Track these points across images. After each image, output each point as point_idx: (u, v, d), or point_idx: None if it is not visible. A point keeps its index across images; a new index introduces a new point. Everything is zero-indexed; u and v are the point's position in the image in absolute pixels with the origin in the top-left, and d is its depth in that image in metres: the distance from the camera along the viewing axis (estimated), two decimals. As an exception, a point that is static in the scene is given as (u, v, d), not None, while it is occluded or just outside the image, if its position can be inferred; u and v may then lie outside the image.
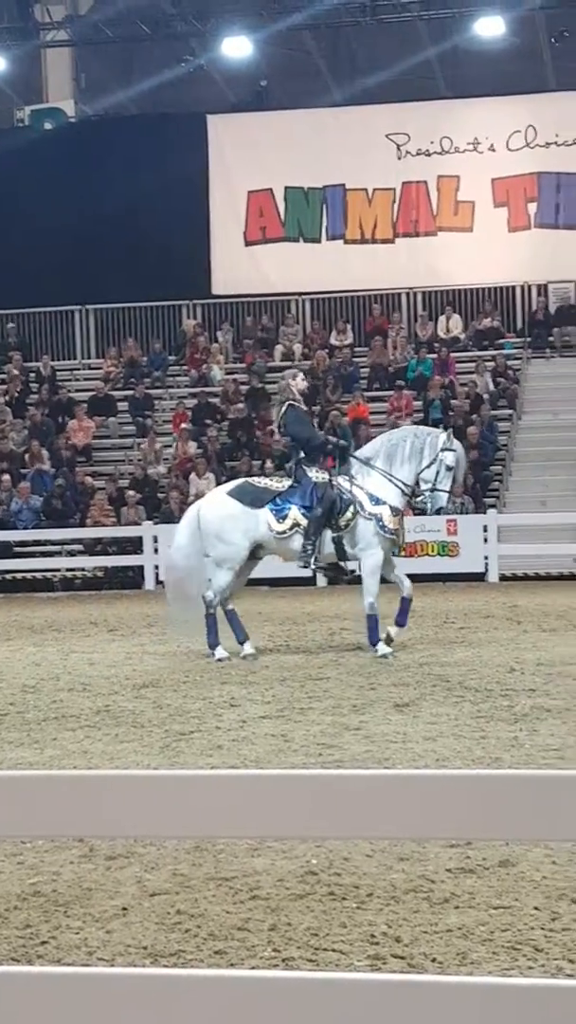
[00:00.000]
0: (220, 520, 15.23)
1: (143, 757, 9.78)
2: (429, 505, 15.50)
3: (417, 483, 15.28)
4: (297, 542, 15.18)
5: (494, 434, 29.16)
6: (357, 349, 32.57)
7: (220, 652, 14.99)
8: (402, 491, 15.22)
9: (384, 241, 33.60)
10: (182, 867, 7.05)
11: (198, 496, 27.93)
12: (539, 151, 32.64)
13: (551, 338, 31.80)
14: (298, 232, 33.99)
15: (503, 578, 25.45)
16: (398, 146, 33.28)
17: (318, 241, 33.90)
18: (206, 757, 9.69)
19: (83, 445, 30.91)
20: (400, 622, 15.27)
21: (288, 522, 15.10)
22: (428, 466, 15.21)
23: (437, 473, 15.21)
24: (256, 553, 15.57)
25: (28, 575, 27.92)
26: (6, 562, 27.85)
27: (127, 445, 31.35)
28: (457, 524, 25.63)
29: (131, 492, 28.50)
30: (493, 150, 32.74)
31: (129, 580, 27.50)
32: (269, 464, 28.33)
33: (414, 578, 24.49)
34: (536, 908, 6.24)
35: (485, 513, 26.36)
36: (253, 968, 5.52)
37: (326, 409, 29.94)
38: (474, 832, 3.98)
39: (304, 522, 15.08)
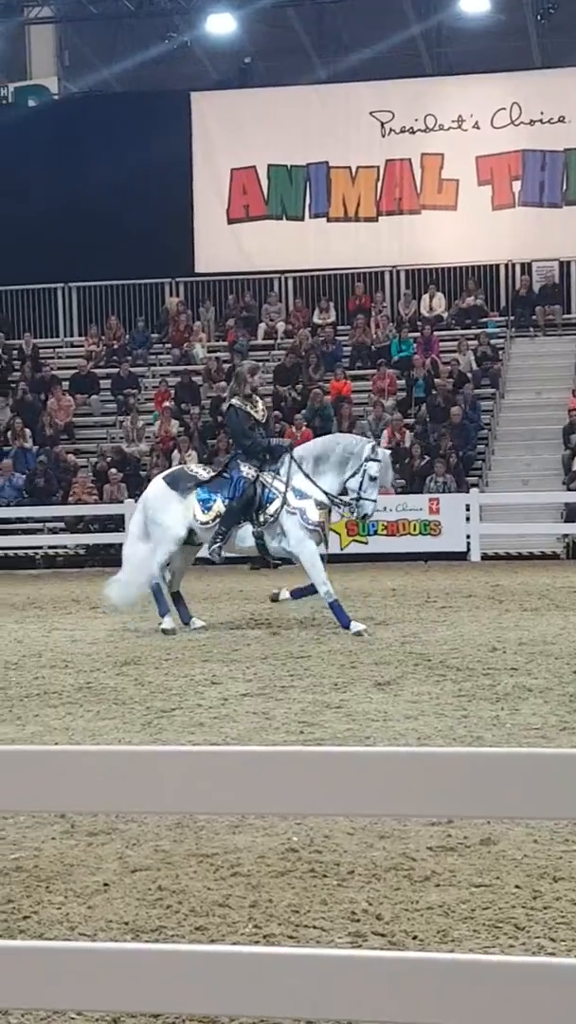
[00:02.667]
0: (155, 504, 15.86)
1: (124, 734, 9.78)
2: (356, 513, 15.79)
3: (344, 491, 15.59)
4: None
5: (477, 413, 29.16)
6: (340, 327, 32.52)
7: (167, 623, 15.46)
8: (325, 494, 15.48)
9: (367, 219, 33.52)
10: (164, 843, 7.06)
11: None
12: (524, 129, 32.59)
13: (534, 317, 31.80)
14: (281, 210, 33.90)
15: (485, 557, 25.49)
16: (382, 124, 33.19)
17: (301, 219, 33.83)
18: (188, 734, 9.68)
19: (64, 423, 30.84)
20: (295, 595, 15.80)
21: (212, 513, 15.60)
22: (352, 475, 15.49)
23: (361, 483, 15.48)
24: (193, 539, 15.96)
25: (10, 553, 27.91)
26: (-12, 539, 27.83)
27: (109, 423, 31.30)
28: (439, 503, 25.65)
29: (113, 470, 28.45)
30: (477, 128, 32.68)
31: (111, 557, 27.39)
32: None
33: (397, 557, 24.75)
34: (517, 886, 6.26)
35: (467, 492, 26.37)
36: (234, 944, 5.53)
37: (308, 387, 29.93)
38: (455, 810, 3.99)
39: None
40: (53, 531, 28.41)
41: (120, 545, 26.72)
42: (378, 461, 15.59)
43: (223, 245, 33.98)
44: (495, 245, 32.45)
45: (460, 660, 12.79)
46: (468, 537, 25.66)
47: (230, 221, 34.11)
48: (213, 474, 15.86)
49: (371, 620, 15.65)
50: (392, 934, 5.73)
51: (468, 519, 25.67)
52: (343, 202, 33.61)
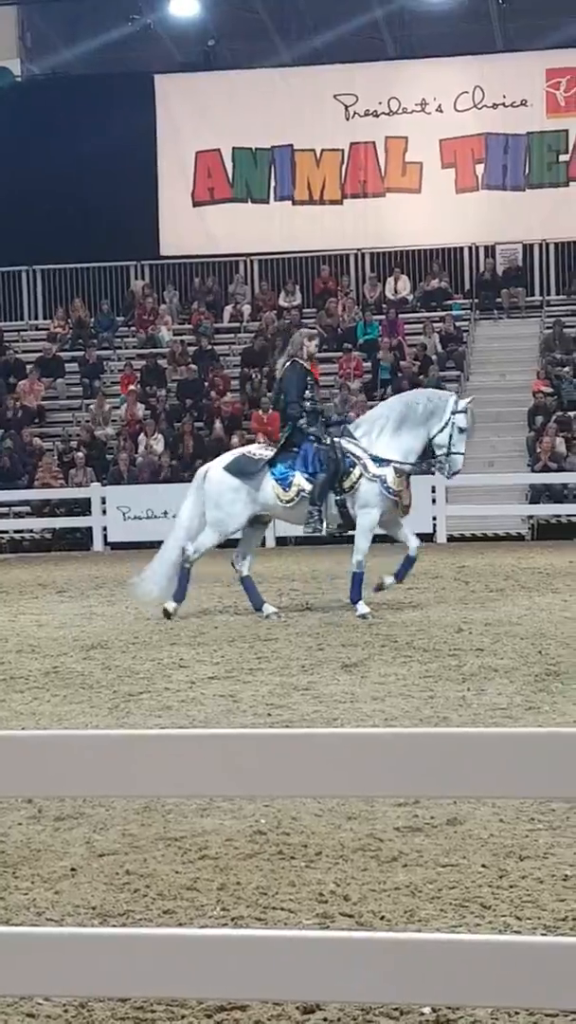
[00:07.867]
0: (220, 489, 15.18)
1: (92, 718, 9.77)
2: (446, 469, 15.38)
3: (430, 448, 15.14)
4: (304, 508, 15.03)
5: (442, 396, 29.16)
6: (305, 310, 32.50)
7: (171, 605, 15.00)
8: (412, 452, 15.05)
9: (332, 202, 33.50)
10: (131, 827, 7.07)
11: (146, 457, 27.97)
12: (486, 112, 32.61)
13: (499, 299, 31.85)
14: (246, 193, 33.84)
15: (451, 539, 25.52)
16: (346, 107, 33.16)
17: (266, 202, 33.77)
18: (155, 718, 9.69)
19: (35, 407, 30.73)
20: (399, 576, 15.26)
21: (293, 489, 14.97)
22: (441, 430, 15.11)
23: (450, 437, 15.12)
24: (261, 519, 15.56)
25: (-25, 537, 27.82)
26: (-47, 524, 27.73)
27: (75, 407, 31.21)
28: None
29: (80, 454, 28.39)
30: (441, 111, 32.67)
31: (77, 542, 27.42)
32: (218, 424, 28.30)
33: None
34: (483, 866, 6.29)
35: (433, 474, 26.34)
36: (203, 927, 5.54)
37: (273, 371, 29.87)
38: (422, 790, 4.01)
39: (308, 487, 14.94)
40: (19, 515, 28.32)
41: (87, 529, 27.00)
42: (465, 413, 15.18)
43: (188, 228, 33.89)
44: (459, 228, 32.50)
45: (427, 641, 12.82)
46: (434, 519, 25.68)
47: (195, 204, 34.02)
48: (274, 451, 15.16)
49: (339, 602, 15.65)
50: (359, 915, 5.75)
51: (434, 501, 25.69)
52: (308, 185, 33.57)
